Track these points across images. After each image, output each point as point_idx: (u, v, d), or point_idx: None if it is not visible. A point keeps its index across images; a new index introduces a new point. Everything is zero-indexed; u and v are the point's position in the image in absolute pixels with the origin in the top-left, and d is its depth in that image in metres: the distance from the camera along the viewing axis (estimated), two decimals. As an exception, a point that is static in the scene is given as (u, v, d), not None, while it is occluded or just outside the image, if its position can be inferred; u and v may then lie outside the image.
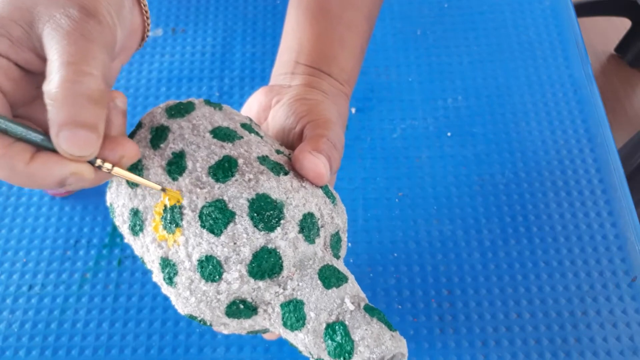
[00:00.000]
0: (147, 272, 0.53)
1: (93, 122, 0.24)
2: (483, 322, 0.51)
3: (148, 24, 0.34)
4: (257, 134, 0.34)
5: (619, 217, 0.56)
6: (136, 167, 0.31)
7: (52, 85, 0.24)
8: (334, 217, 0.33)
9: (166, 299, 0.52)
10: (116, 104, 0.28)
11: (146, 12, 0.33)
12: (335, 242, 0.34)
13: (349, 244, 0.54)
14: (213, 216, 0.29)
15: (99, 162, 0.26)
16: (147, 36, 0.34)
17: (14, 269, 0.54)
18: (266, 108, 0.39)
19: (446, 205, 0.57)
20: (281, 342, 0.50)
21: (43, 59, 0.26)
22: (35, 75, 0.27)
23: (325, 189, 0.33)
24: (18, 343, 0.50)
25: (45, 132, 0.25)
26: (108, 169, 0.27)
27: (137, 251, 0.33)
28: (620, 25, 1.47)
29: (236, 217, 0.29)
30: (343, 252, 0.36)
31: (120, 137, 0.27)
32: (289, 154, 0.34)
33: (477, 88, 0.64)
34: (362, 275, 0.53)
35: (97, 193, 0.58)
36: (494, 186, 0.58)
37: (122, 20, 0.28)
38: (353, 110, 0.63)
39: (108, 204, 0.34)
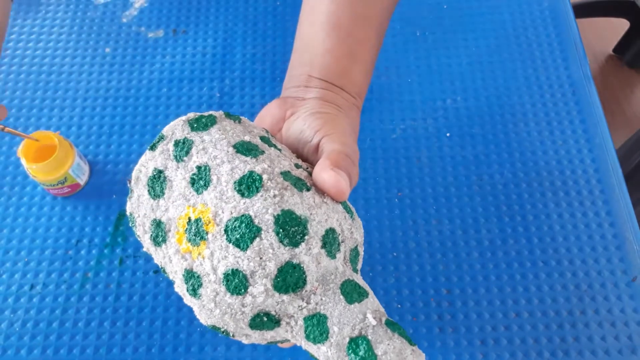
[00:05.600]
0: (148, 272, 0.54)
1: None
2: (482, 321, 0.51)
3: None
4: (275, 147, 0.35)
5: (617, 216, 0.56)
6: (159, 179, 0.32)
7: None
8: (353, 232, 0.34)
9: (167, 298, 0.52)
10: None
11: None
12: (354, 257, 0.34)
13: (349, 244, 0.55)
14: (239, 231, 0.29)
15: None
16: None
17: (15, 268, 0.54)
18: (280, 120, 0.40)
19: (445, 205, 0.57)
20: (282, 341, 0.50)
21: None
22: None
23: (344, 204, 0.34)
24: (20, 342, 0.50)
25: None
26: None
27: (158, 261, 0.34)
28: (618, 26, 1.47)
29: (262, 232, 0.29)
30: (359, 265, 0.37)
31: None
32: (307, 168, 0.35)
33: (476, 89, 0.64)
34: (362, 275, 0.53)
35: (98, 193, 0.58)
36: (493, 186, 0.58)
37: None
38: (353, 110, 0.63)
39: (128, 213, 0.35)
